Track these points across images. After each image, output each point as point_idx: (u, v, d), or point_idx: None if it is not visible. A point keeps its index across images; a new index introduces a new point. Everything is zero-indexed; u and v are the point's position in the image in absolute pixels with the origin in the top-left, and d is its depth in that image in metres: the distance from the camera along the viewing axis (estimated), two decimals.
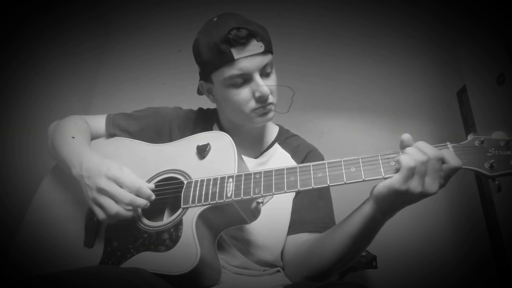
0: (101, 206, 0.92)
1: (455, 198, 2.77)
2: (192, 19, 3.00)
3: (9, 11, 1.99)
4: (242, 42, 1.03)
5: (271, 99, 1.10)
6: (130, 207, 0.92)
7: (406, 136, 0.85)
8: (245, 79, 1.07)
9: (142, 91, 2.97)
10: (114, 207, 0.90)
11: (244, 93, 1.08)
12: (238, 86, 1.08)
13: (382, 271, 2.40)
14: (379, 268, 2.34)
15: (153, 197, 0.95)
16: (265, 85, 1.07)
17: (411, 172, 0.78)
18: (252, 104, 1.09)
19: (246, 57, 1.04)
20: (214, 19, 1.11)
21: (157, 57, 3.09)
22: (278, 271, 1.13)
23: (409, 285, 2.53)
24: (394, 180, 0.79)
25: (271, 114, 1.12)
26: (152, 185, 0.98)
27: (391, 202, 0.82)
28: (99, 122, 1.22)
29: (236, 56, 1.03)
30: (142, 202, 0.92)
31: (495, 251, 2.61)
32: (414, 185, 0.78)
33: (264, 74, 1.09)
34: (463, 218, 2.77)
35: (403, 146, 0.84)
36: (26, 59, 2.13)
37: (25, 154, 2.02)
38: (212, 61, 1.07)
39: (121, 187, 0.92)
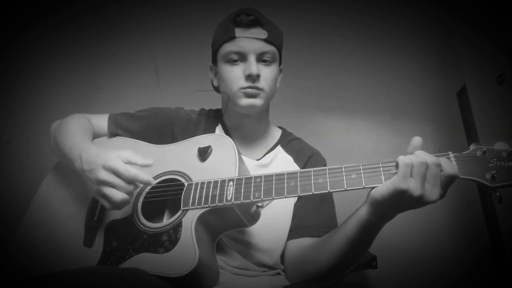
0: (105, 197, 0.92)
1: (454, 194, 2.77)
2: (193, 19, 3.01)
3: (12, 13, 1.99)
4: (246, 24, 1.13)
5: (262, 84, 1.14)
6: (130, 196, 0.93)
7: (417, 139, 0.84)
8: (241, 58, 1.14)
9: (143, 91, 2.95)
10: (118, 195, 0.91)
11: (236, 70, 1.14)
12: (232, 63, 1.15)
13: (382, 270, 2.40)
14: (379, 267, 2.33)
15: (153, 181, 0.95)
16: (256, 67, 1.12)
17: (409, 169, 0.77)
18: (242, 82, 1.13)
19: (247, 38, 1.13)
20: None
21: (157, 57, 3.07)
22: (278, 273, 1.14)
23: (408, 281, 2.53)
24: (393, 179, 0.79)
25: (258, 100, 1.15)
26: (150, 161, 0.98)
27: (389, 204, 0.81)
28: (101, 121, 1.23)
29: (237, 35, 1.13)
30: (144, 178, 0.93)
31: (494, 247, 2.62)
32: (414, 186, 0.77)
33: (262, 60, 1.15)
34: (461, 213, 2.77)
35: (412, 147, 0.83)
36: (28, 60, 2.13)
37: (26, 153, 2.02)
38: (218, 39, 1.18)
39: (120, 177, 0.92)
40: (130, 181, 0.92)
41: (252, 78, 1.12)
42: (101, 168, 0.92)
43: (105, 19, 3.00)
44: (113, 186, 0.91)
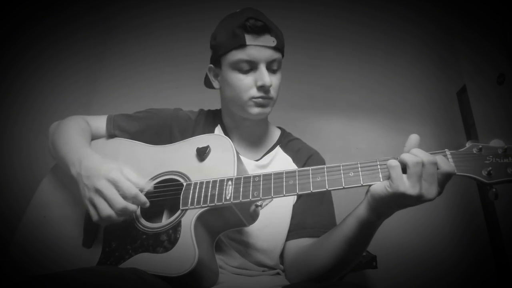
0: (95, 207, 0.91)
1: (454, 194, 2.77)
2: (193, 18, 3.02)
3: (11, 13, 2.00)
4: (256, 31, 1.10)
5: (271, 93, 1.13)
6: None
7: (414, 137, 0.84)
8: (251, 67, 1.12)
9: (143, 91, 2.96)
10: (107, 210, 0.89)
11: (247, 80, 1.12)
12: (243, 71, 1.13)
13: (382, 270, 2.40)
14: (379, 267, 2.34)
15: (148, 204, 0.94)
16: (268, 78, 1.10)
17: (399, 170, 0.78)
18: (253, 92, 1.12)
19: (257, 46, 1.10)
20: (237, 11, 1.17)
21: (158, 57, 3.08)
22: (278, 273, 1.14)
23: (408, 281, 2.54)
24: (389, 182, 0.79)
25: (267, 109, 1.15)
26: (152, 183, 0.98)
27: (387, 203, 0.81)
28: (100, 123, 1.23)
29: (248, 42, 1.10)
30: (134, 209, 0.91)
31: (494, 246, 2.62)
32: (411, 187, 0.77)
33: (270, 69, 1.14)
34: (461, 212, 2.78)
35: (409, 145, 0.83)
36: (28, 61, 2.14)
37: (26, 153, 2.03)
38: (225, 43, 1.13)
39: (118, 191, 0.91)
40: (130, 199, 0.91)
41: (265, 89, 1.12)
42: (102, 177, 0.91)
43: (104, 20, 3.02)
44: (107, 198, 0.90)
